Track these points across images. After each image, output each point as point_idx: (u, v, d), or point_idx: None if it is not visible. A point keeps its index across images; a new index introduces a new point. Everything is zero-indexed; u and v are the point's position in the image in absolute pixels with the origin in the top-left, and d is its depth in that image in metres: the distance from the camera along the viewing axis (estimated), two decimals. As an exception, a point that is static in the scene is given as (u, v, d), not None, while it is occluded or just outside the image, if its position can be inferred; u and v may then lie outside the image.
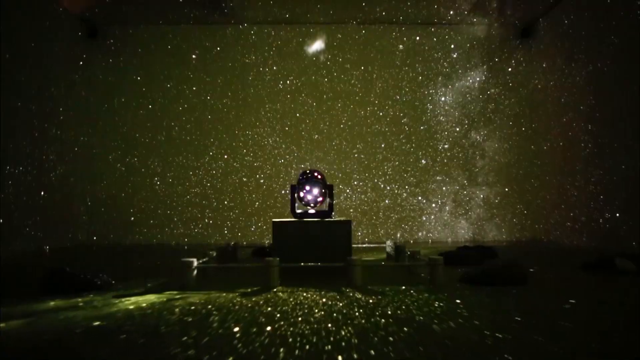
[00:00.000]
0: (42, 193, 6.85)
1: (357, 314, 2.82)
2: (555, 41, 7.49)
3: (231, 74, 7.72)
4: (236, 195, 8.02)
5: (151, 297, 3.47)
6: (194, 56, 7.60)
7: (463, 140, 8.23)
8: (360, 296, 3.42)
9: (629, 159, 5.92)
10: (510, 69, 8.07)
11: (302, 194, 4.32)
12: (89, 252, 6.54)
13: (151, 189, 7.89)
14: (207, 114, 7.81)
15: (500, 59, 8.02)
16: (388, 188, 8.25)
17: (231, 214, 7.97)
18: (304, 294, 3.52)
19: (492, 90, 8.14)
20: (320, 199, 4.33)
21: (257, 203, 8.04)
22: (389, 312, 2.85)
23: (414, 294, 3.49)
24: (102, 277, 3.82)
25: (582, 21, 6.91)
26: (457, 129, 8.20)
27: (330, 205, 4.42)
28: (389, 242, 5.35)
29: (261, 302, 3.22)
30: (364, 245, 7.07)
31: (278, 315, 2.80)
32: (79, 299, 3.37)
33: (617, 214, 6.20)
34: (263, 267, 3.73)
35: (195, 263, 3.77)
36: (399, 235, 8.03)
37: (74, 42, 7.25)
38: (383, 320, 2.65)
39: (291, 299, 3.34)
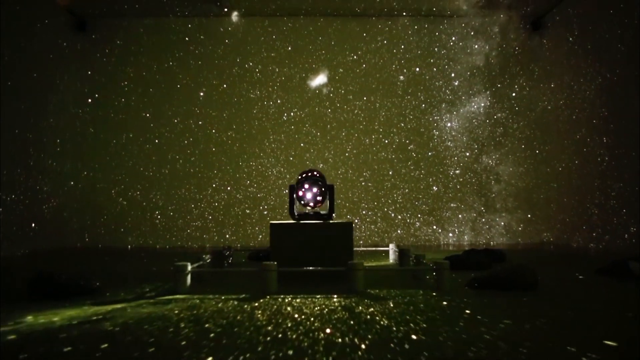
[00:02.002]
0: (33, 225, 5.84)
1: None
2: (561, 59, 6.66)
3: (236, 108, 7.05)
4: (238, 228, 6.80)
5: (71, 313, 2.22)
6: (201, 93, 7.04)
7: (475, 165, 7.02)
8: (385, 322, 2.04)
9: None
10: (514, 94, 7.14)
11: (300, 193, 3.70)
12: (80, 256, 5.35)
13: (151, 223, 6.79)
14: (212, 147, 6.99)
15: (503, 84, 7.15)
16: (399, 217, 6.89)
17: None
18: (295, 314, 2.20)
19: (499, 115, 7.13)
20: (319, 197, 3.69)
21: (260, 236, 6.76)
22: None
23: (475, 315, 2.17)
24: (85, 281, 2.90)
25: (586, 35, 6.13)
26: (467, 154, 7.05)
27: (331, 207, 3.76)
28: (392, 246, 4.49)
29: (218, 331, 1.88)
30: (366, 249, 5.69)
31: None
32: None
33: (642, 226, 4.79)
34: (259, 272, 3.06)
35: (189, 267, 3.05)
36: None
37: (62, 41, 6.38)
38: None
39: (270, 327, 1.96)
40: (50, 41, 6.20)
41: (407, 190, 6.97)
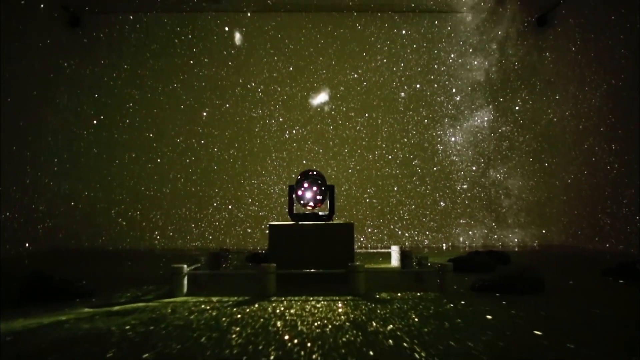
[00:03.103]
0: (27, 244, 5.32)
1: None
2: (564, 70, 6.25)
3: (238, 127, 6.68)
4: (240, 247, 6.18)
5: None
6: (204, 113, 6.72)
7: (482, 179, 6.43)
8: (423, 354, 1.34)
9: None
10: (517, 108, 6.68)
11: (300, 192, 3.40)
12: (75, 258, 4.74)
13: (150, 244, 6.22)
14: (213, 165, 6.55)
15: (505, 98, 6.71)
16: (407, 234, 6.22)
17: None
18: (287, 336, 1.52)
19: (503, 128, 6.63)
20: (319, 197, 3.38)
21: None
22: None
23: (556, 338, 1.50)
24: (81, 284, 2.59)
25: (588, 43, 5.75)
26: (474, 168, 6.48)
27: (332, 207, 3.48)
28: (394, 248, 4.19)
29: None
30: (367, 251, 5.20)
31: None
32: None
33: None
34: (257, 274, 2.79)
35: (186, 269, 2.73)
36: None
37: (62, 61, 5.94)
38: None
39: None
40: (49, 56, 5.89)
41: (413, 206, 6.36)
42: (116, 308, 2.01)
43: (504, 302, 2.16)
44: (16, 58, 5.12)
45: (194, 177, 6.48)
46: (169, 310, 1.96)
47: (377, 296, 2.35)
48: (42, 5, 5.60)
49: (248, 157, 6.57)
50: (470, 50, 6.73)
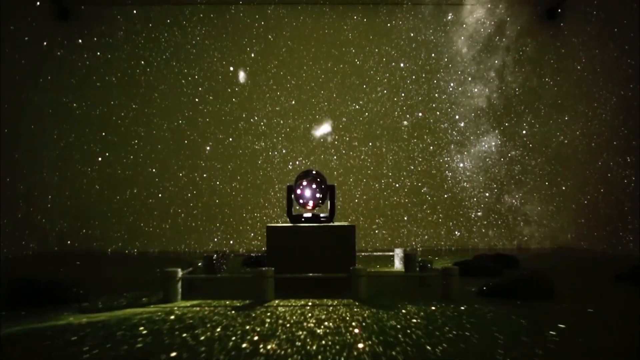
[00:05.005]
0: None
1: None
2: (572, 89, 5.78)
3: (241, 160, 6.20)
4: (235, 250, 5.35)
5: None
6: (207, 147, 6.30)
7: (497, 206, 5.67)
8: None
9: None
10: (524, 132, 6.12)
11: (299, 192, 3.08)
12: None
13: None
14: (215, 199, 5.97)
15: (510, 123, 6.19)
16: (421, 267, 5.33)
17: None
18: None
19: (513, 153, 6.02)
20: (319, 196, 3.07)
21: (263, 295, 5.24)
22: None
23: None
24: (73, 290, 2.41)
25: (594, 59, 5.32)
26: (487, 194, 5.76)
27: (332, 208, 3.18)
28: (397, 251, 3.89)
29: None
30: (369, 254, 4.55)
31: None
32: None
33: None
34: (255, 278, 2.47)
35: (180, 274, 2.53)
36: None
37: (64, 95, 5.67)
38: None
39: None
40: (51, 92, 5.68)
41: (426, 236, 5.56)
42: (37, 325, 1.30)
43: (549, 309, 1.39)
44: (15, 90, 4.85)
45: (194, 212, 5.88)
46: (81, 335, 1.26)
47: (404, 311, 1.81)
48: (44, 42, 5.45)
49: (250, 189, 6.00)
50: (470, 78, 6.36)
